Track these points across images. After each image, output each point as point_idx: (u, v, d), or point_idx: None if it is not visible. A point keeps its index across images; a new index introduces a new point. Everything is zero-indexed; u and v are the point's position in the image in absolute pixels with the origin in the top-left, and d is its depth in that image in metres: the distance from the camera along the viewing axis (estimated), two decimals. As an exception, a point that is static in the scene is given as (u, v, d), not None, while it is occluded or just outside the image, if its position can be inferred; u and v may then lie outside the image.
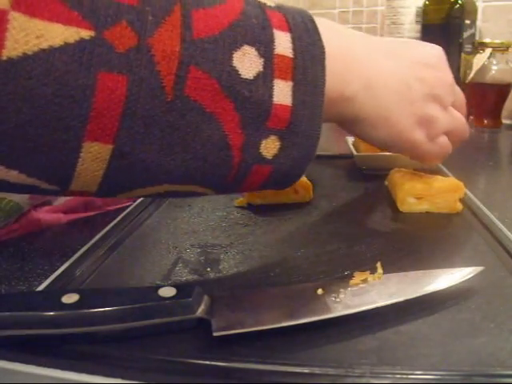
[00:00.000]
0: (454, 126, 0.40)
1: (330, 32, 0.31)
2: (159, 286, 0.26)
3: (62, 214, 0.47)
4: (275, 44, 0.27)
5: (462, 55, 1.04)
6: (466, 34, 1.04)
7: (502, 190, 0.61)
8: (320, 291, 0.29)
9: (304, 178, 0.48)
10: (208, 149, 0.26)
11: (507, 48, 0.98)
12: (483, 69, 0.99)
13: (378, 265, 0.32)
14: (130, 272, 0.34)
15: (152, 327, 0.26)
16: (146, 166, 0.25)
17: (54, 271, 0.32)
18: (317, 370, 0.23)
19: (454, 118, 0.40)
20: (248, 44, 0.26)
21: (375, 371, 0.23)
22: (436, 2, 1.07)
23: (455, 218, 0.44)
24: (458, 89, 0.42)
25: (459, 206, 0.45)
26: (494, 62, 0.99)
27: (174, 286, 0.26)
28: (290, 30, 0.28)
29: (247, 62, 0.26)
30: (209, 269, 0.34)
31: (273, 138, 0.28)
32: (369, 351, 0.25)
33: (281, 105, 0.27)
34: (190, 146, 0.26)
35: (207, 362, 0.24)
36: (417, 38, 1.10)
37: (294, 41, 0.28)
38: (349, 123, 0.36)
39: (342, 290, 0.29)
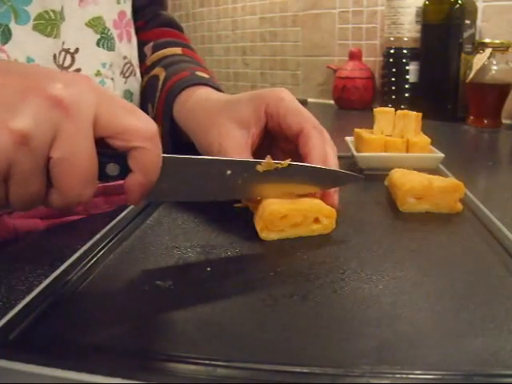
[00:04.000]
0: None
1: None
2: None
3: (38, 220, 0.45)
4: None
5: (462, 55, 1.04)
6: (465, 34, 1.04)
7: (502, 189, 0.61)
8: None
9: (327, 206, 0.40)
10: None
11: (507, 48, 0.98)
12: (483, 69, 0.99)
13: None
14: (130, 272, 0.34)
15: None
16: None
17: (53, 271, 0.32)
18: (317, 370, 0.23)
19: None
20: None
21: (375, 371, 0.23)
22: (436, 2, 1.07)
23: (455, 217, 0.44)
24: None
25: (459, 206, 0.45)
26: (494, 62, 0.99)
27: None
28: None
29: None
30: (209, 269, 0.34)
31: None
32: (369, 351, 0.25)
33: None
34: None
35: (206, 362, 0.24)
36: (417, 38, 1.11)
37: None
38: None
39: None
